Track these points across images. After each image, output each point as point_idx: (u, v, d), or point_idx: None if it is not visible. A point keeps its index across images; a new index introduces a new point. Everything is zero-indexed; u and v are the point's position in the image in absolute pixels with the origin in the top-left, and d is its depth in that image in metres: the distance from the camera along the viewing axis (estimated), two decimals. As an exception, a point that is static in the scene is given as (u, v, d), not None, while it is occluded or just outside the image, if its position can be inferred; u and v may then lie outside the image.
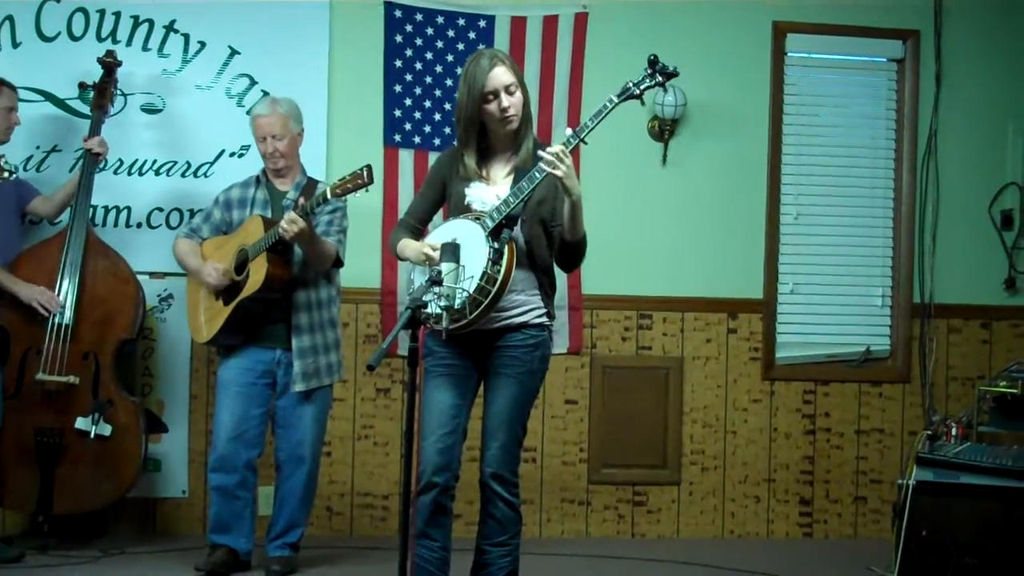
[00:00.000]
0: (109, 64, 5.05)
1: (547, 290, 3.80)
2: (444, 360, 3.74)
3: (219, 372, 4.76)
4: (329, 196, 4.29)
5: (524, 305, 3.71)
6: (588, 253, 5.48)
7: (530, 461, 5.49)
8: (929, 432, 4.47)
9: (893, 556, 4.29)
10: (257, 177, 4.82)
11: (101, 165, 5.04)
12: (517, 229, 3.66)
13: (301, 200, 4.51)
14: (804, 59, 5.78)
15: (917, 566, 4.22)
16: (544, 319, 3.78)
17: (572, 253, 3.76)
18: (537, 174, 3.55)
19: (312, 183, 4.76)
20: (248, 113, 4.94)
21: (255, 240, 4.54)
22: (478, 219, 3.62)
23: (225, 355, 4.74)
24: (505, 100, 3.67)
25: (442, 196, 3.88)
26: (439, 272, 3.39)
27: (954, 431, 4.51)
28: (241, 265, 4.59)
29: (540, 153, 3.52)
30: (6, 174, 4.15)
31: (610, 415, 5.57)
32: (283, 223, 4.36)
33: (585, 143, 3.61)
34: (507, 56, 3.77)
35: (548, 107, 5.47)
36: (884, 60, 5.84)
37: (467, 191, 3.75)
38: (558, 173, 3.49)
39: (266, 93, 5.28)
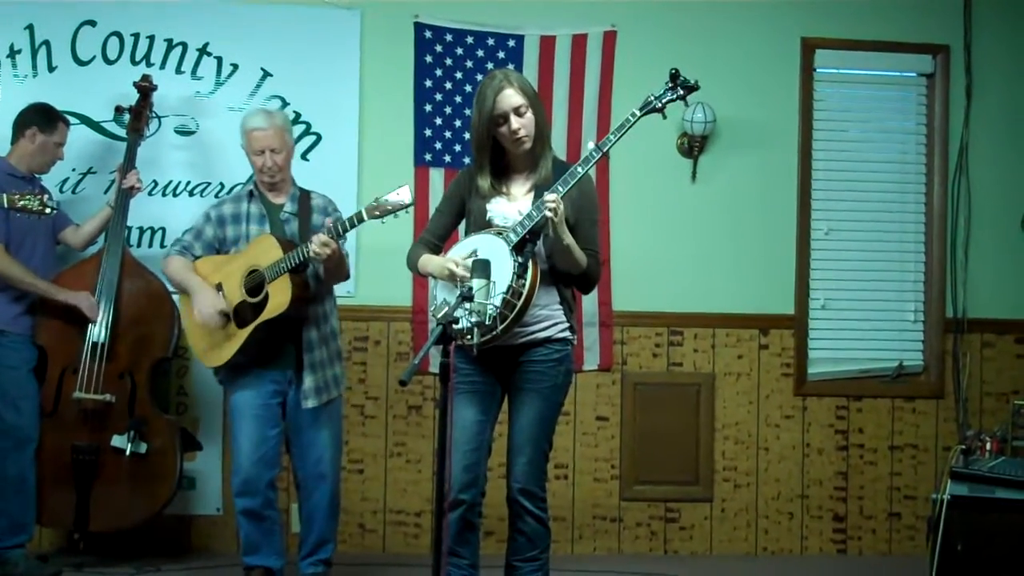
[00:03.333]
0: (145, 88, 5.12)
1: (569, 304, 3.82)
2: (468, 376, 3.75)
3: (232, 398, 4.65)
4: (366, 217, 4.20)
5: (547, 320, 3.73)
6: (619, 270, 5.54)
7: (562, 478, 5.50)
8: (963, 447, 4.45)
9: (928, 572, 4.27)
10: (251, 191, 4.69)
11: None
12: (539, 244, 3.67)
13: (329, 221, 4.47)
14: (833, 75, 5.78)
15: (952, 582, 4.20)
16: (567, 333, 3.79)
17: (583, 281, 3.81)
18: (535, 212, 3.59)
19: (306, 194, 4.71)
20: (241, 121, 4.74)
21: (272, 261, 4.44)
22: (500, 234, 3.64)
23: (232, 379, 4.63)
24: (515, 122, 3.68)
25: (461, 213, 3.90)
26: (470, 288, 3.41)
27: (988, 446, 4.48)
28: (256, 287, 4.49)
29: (541, 200, 3.58)
30: (48, 210, 4.24)
31: (641, 432, 5.57)
32: (315, 246, 4.27)
33: (608, 156, 3.63)
34: (518, 76, 3.78)
35: (577, 125, 5.50)
36: (914, 75, 5.82)
37: (489, 207, 3.77)
38: (555, 219, 3.55)
39: (299, 114, 5.35)
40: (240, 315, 4.53)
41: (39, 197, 4.15)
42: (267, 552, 4.65)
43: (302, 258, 4.39)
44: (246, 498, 4.58)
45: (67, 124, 4.99)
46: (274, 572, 4.66)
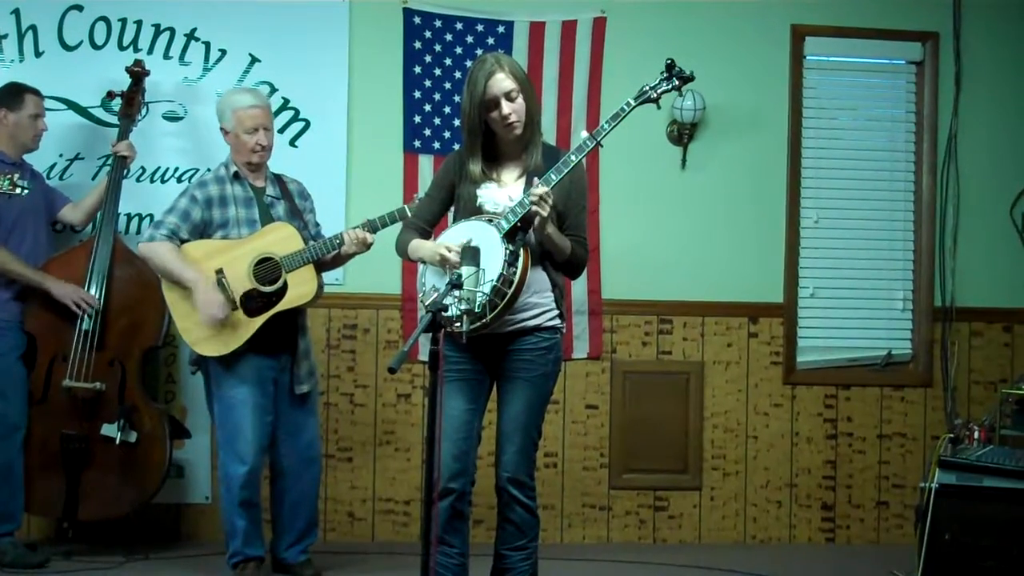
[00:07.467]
0: (137, 73, 5.08)
1: (561, 290, 3.80)
2: (456, 365, 3.72)
3: (226, 387, 4.51)
4: (408, 213, 4.22)
5: (537, 307, 3.71)
6: (608, 258, 5.54)
7: (551, 466, 5.50)
8: (951, 435, 4.46)
9: (916, 561, 4.28)
10: (236, 172, 4.61)
11: (126, 171, 5.07)
12: (531, 232, 3.65)
13: (368, 218, 4.48)
14: (823, 62, 5.77)
15: (940, 570, 4.21)
16: (557, 321, 3.77)
17: (568, 267, 3.80)
18: (526, 201, 3.55)
19: (279, 178, 4.70)
20: (222, 102, 4.69)
21: (291, 251, 4.43)
22: (491, 221, 3.62)
23: (225, 367, 4.51)
24: (506, 107, 3.65)
25: (450, 198, 3.86)
26: (459, 275, 3.40)
27: (976, 434, 4.50)
28: (268, 275, 4.45)
29: (530, 191, 3.54)
30: (19, 190, 4.20)
31: (631, 420, 5.57)
32: (353, 243, 4.40)
33: (602, 146, 3.64)
34: (509, 60, 3.74)
35: (567, 112, 5.49)
36: (903, 62, 5.82)
37: (479, 192, 3.74)
38: (543, 213, 3.52)
39: (287, 100, 5.33)
40: (246, 303, 4.48)
41: (8, 177, 4.11)
42: (257, 542, 4.64)
43: (329, 249, 4.43)
44: (248, 489, 4.55)
45: (37, 94, 4.91)
46: (262, 561, 4.66)
